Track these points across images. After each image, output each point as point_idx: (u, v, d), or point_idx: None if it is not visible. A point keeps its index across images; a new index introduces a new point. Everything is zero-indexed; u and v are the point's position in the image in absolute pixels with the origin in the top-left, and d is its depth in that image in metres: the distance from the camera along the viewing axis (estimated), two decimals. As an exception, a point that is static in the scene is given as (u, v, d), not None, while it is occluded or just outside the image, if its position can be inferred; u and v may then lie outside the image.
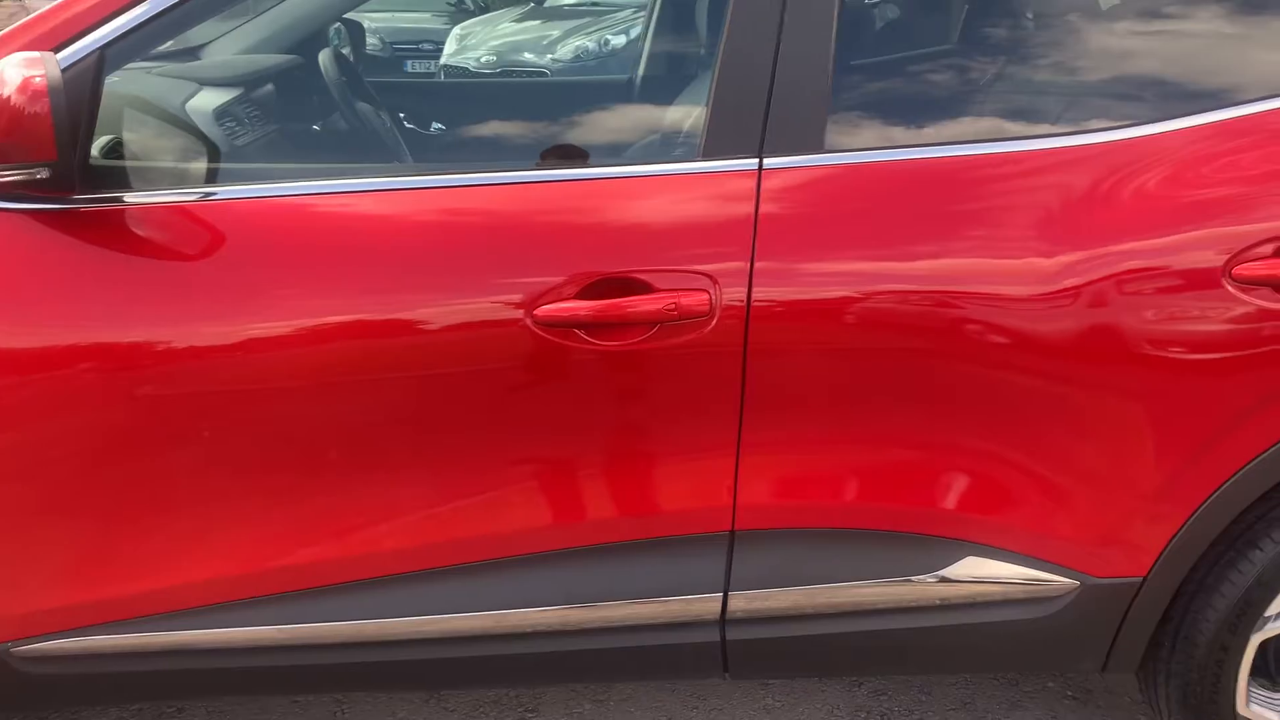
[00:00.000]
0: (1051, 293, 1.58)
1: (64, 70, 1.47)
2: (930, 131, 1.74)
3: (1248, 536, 1.73)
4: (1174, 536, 1.68)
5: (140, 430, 1.58)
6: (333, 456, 1.60)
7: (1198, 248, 1.59)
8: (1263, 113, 1.63)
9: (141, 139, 1.86)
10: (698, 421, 1.61)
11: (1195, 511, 1.67)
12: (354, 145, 2.45)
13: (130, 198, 1.63)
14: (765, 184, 1.59)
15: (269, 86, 2.48)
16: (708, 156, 1.62)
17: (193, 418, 1.58)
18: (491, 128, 2.65)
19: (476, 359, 1.58)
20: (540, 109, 2.29)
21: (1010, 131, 1.72)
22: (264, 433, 1.60)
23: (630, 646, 1.72)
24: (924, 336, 1.59)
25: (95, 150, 1.66)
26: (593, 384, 1.60)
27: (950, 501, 1.67)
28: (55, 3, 1.61)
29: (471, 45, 5.63)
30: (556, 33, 5.66)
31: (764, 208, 1.58)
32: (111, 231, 1.57)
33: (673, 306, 1.55)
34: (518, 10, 6.27)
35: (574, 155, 1.78)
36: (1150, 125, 1.62)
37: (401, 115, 2.90)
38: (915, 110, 1.74)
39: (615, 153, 1.99)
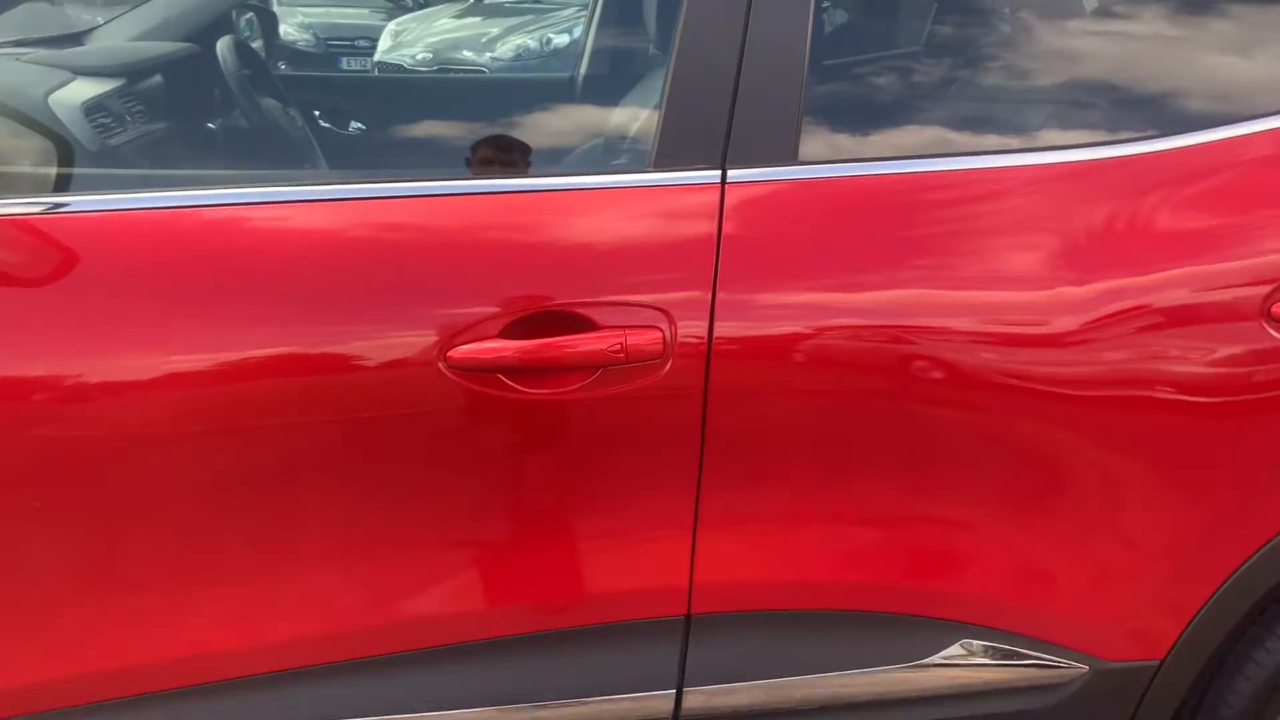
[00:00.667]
0: (1064, 332, 1.34)
1: None
2: (929, 139, 1.49)
3: (1276, 610, 1.51)
4: (1197, 614, 1.45)
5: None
6: (185, 532, 1.31)
7: (1231, 281, 1.37)
8: None
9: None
10: (647, 485, 1.34)
11: (1222, 585, 1.44)
12: (252, 147, 2.14)
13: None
14: (730, 199, 1.33)
15: (156, 78, 2.17)
16: (661, 166, 1.35)
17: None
18: (416, 129, 2.36)
19: (375, 410, 1.29)
20: (465, 109, 2.01)
21: (1031, 141, 1.48)
22: (100, 498, 1.29)
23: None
24: (917, 383, 1.34)
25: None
26: (520, 441, 1.32)
27: (940, 577, 1.43)
28: None
29: (407, 42, 5.34)
30: (496, 30, 5.39)
31: (728, 227, 1.32)
32: None
33: (618, 348, 1.28)
34: (456, 6, 5.99)
35: (500, 160, 1.50)
36: (1185, 136, 1.39)
37: (317, 114, 2.60)
38: (912, 113, 1.49)
39: (550, 160, 1.71)
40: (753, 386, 1.33)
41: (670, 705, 1.40)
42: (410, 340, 1.26)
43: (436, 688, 1.37)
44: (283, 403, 1.27)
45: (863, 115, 1.48)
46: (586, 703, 1.38)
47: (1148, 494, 1.42)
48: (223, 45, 2.24)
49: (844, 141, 1.44)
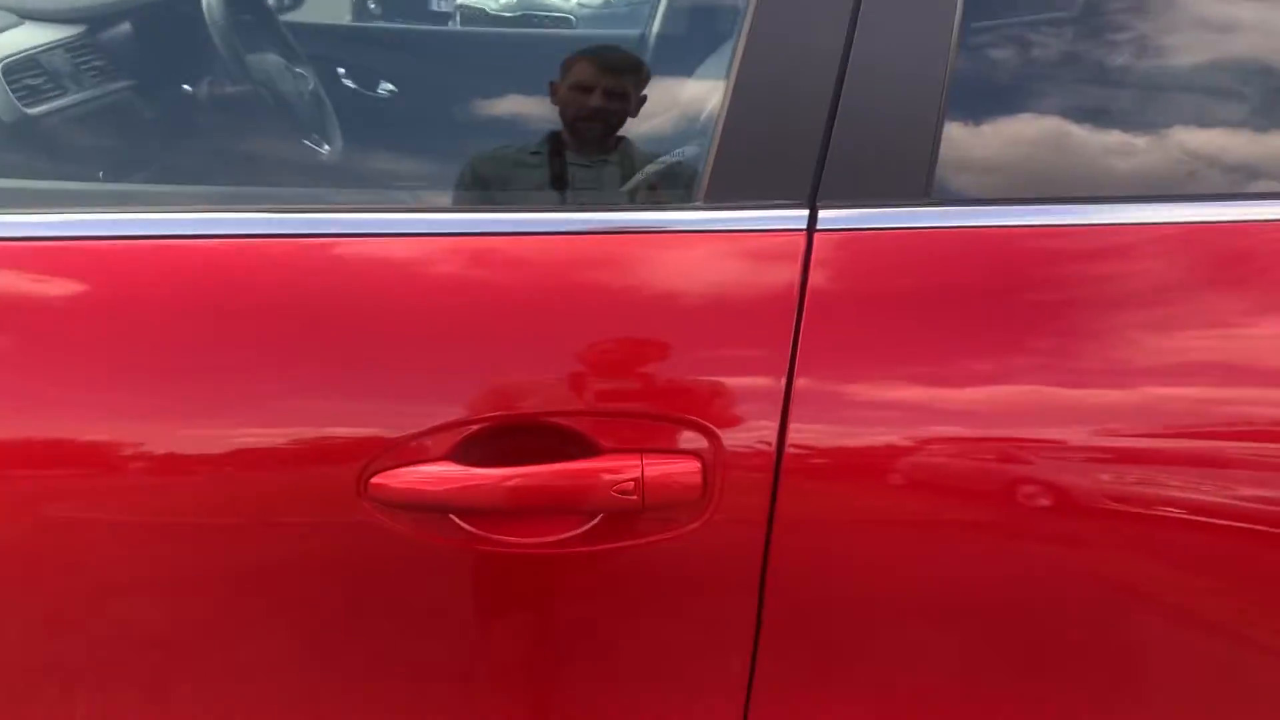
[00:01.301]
0: None
1: None
2: (1103, 174, 0.97)
3: None
4: None
5: None
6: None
7: None
8: None
9: None
10: (671, 689, 0.89)
11: None
12: (235, 120, 1.72)
13: None
14: (818, 251, 0.85)
15: (124, 25, 1.77)
16: (712, 200, 0.88)
17: None
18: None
19: (276, 552, 0.86)
20: (490, 70, 1.55)
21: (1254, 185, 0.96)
22: None
23: None
24: (1092, 516, 0.86)
25: None
26: (478, 615, 0.88)
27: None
28: None
29: (493, -15, 4.88)
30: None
31: (814, 283, 0.85)
32: None
33: (630, 486, 0.83)
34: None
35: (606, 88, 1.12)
36: None
37: (342, 71, 2.18)
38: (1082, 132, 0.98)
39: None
40: (848, 528, 0.86)
41: None
42: (320, 460, 0.83)
43: None
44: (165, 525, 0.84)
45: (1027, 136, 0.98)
46: None
47: None
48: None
49: (999, 174, 0.93)
